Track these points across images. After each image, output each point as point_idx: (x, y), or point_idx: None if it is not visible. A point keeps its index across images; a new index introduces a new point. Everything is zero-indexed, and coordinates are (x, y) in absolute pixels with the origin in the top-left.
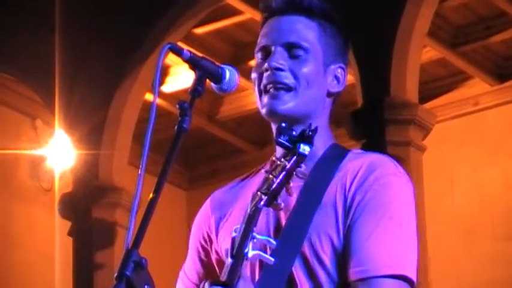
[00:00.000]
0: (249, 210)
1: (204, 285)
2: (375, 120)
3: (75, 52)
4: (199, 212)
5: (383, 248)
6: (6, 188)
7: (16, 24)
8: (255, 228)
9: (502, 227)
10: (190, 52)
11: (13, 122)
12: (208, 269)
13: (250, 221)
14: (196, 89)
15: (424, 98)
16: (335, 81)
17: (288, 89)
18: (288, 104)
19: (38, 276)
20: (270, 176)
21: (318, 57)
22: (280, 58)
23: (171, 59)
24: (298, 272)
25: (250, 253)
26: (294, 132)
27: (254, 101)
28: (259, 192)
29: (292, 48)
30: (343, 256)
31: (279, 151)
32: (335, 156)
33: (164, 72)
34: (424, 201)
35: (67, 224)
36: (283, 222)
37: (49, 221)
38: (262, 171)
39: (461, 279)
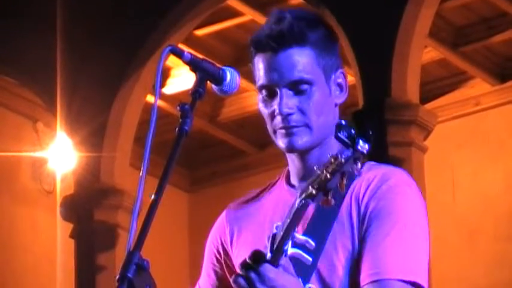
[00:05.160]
0: (296, 205)
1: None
2: (376, 121)
3: (76, 55)
4: (214, 224)
5: (396, 254)
6: (8, 190)
7: (17, 27)
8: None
9: (504, 228)
10: (191, 54)
11: (14, 125)
12: (223, 283)
13: (297, 215)
14: (197, 91)
15: (425, 98)
16: (338, 91)
17: (299, 126)
18: (304, 138)
19: (40, 278)
20: (324, 171)
21: (322, 79)
22: (288, 101)
23: (172, 61)
24: (312, 282)
25: (290, 250)
26: (352, 130)
27: (255, 102)
28: (310, 187)
29: (296, 85)
30: (357, 264)
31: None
32: None
33: (165, 74)
34: (426, 202)
35: (69, 226)
36: (300, 231)
37: (51, 223)
38: (284, 184)
39: (464, 281)
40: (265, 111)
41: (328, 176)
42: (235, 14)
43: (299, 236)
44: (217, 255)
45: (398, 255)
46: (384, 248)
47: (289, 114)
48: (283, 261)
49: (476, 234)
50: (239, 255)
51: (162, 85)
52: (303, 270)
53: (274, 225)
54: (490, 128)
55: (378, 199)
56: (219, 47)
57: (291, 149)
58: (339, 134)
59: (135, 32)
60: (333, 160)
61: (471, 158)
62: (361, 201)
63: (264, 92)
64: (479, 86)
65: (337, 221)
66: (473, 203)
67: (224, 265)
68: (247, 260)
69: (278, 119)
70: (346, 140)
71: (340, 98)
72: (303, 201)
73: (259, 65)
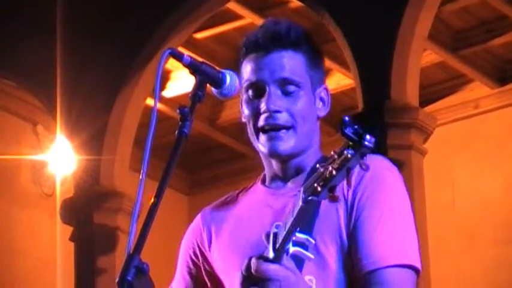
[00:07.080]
0: (300, 203)
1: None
2: (377, 124)
3: (76, 58)
4: (188, 229)
5: (388, 240)
6: (7, 193)
7: (17, 30)
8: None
9: (503, 231)
10: (191, 57)
11: (14, 128)
12: (198, 284)
13: (302, 214)
14: (197, 94)
15: (425, 101)
16: (321, 104)
17: (287, 128)
18: (288, 142)
19: (39, 281)
20: (330, 168)
21: (308, 87)
22: (276, 99)
23: (172, 64)
24: None
25: (291, 249)
26: (356, 126)
27: None
28: (315, 184)
29: (285, 85)
30: (349, 255)
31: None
32: None
33: (165, 77)
34: (425, 205)
35: (69, 229)
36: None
37: (51, 226)
38: (259, 185)
39: (463, 283)
40: (247, 112)
41: (333, 172)
42: (235, 17)
43: (299, 235)
44: (194, 258)
45: (392, 242)
46: (376, 236)
47: (277, 112)
48: (285, 260)
49: (476, 237)
50: (218, 256)
51: (162, 88)
52: (303, 268)
53: (274, 224)
54: (489, 131)
55: (364, 188)
56: (219, 50)
57: (273, 153)
58: (345, 131)
59: (135, 35)
60: (336, 156)
61: (470, 161)
62: (347, 192)
63: (250, 91)
64: (478, 89)
65: (320, 215)
66: (473, 206)
67: (201, 267)
68: (244, 272)
69: (263, 116)
70: (352, 136)
71: (322, 112)
72: (309, 199)
73: (248, 67)
